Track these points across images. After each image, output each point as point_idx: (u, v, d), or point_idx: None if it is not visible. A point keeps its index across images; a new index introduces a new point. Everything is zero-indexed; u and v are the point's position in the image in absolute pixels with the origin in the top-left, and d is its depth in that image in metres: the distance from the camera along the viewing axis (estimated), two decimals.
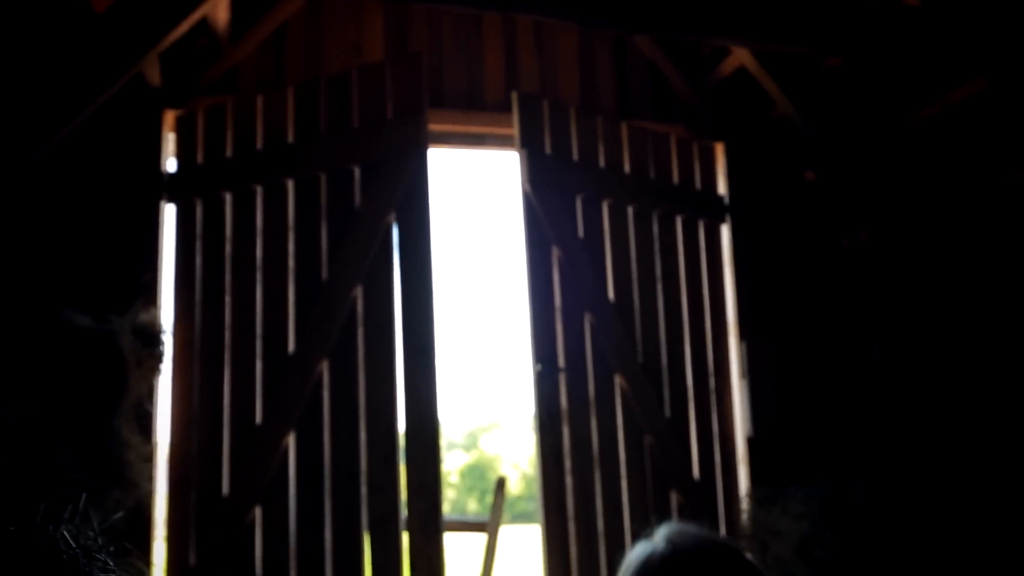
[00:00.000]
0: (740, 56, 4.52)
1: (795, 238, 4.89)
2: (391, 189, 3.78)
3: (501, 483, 4.03)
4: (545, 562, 3.80)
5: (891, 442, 4.48)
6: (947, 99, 4.13)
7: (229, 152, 3.93)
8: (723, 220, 4.68)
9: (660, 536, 1.24)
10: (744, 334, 4.55)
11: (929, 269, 4.79)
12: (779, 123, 4.78)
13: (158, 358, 3.49)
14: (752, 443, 4.35)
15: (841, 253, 4.97)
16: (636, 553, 1.24)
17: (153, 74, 3.89)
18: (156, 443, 3.61)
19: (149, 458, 3.42)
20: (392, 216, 3.79)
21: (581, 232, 4.21)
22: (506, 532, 5.47)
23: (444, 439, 3.68)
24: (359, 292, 3.77)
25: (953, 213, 4.75)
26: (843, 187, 4.83)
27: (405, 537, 3.57)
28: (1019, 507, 4.07)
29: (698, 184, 4.66)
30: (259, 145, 3.92)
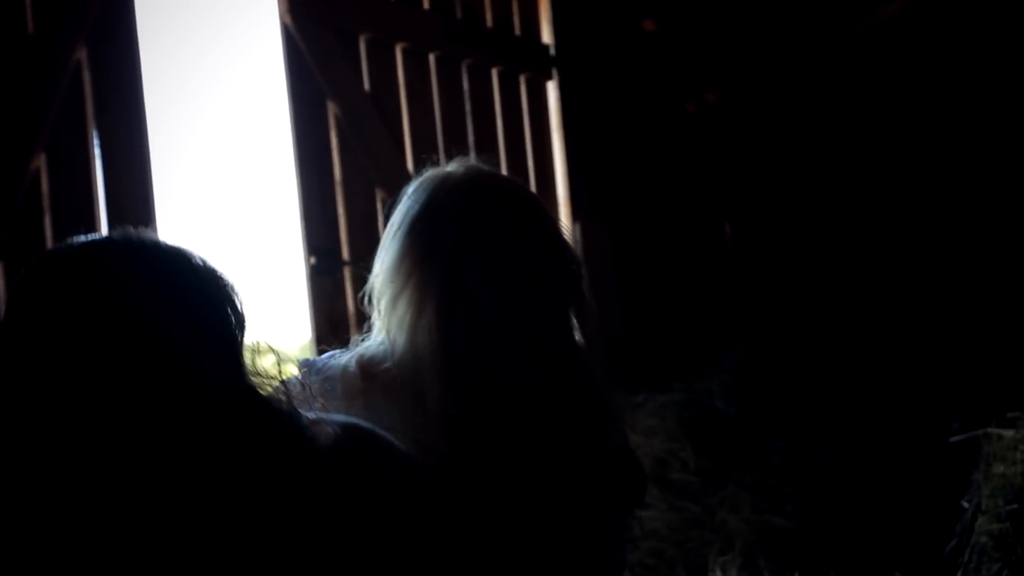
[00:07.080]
0: None
1: (634, 99, 4.11)
2: (78, 10, 2.64)
3: None
4: None
5: (748, 332, 3.85)
6: None
7: None
8: (549, 76, 3.82)
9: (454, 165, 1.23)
10: (577, 214, 3.76)
11: (785, 131, 4.14)
12: None
13: None
14: None
15: (686, 118, 4.25)
16: (429, 174, 1.20)
17: None
18: None
19: None
20: (82, 51, 2.65)
21: (367, 84, 3.23)
22: None
23: None
24: (42, 163, 2.64)
25: (805, 68, 4.12)
26: (687, 39, 4.08)
27: None
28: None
29: (518, 30, 3.76)
30: None
